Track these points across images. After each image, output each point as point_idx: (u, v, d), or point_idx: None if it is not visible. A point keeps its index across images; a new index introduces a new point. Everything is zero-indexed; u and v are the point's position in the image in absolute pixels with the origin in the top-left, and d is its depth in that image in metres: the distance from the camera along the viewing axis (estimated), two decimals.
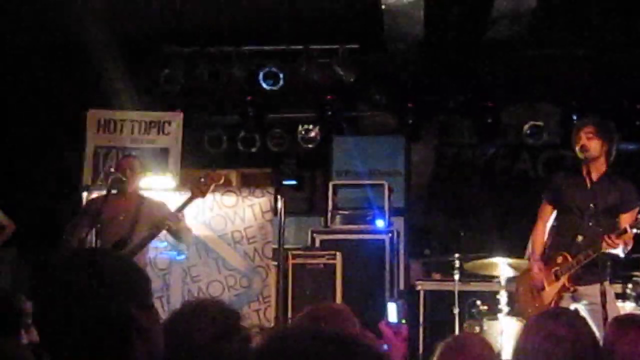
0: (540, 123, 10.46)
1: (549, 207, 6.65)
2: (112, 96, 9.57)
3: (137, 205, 7.31)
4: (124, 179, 7.25)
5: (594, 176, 6.28)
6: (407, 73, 10.30)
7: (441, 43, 9.55)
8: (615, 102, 9.99)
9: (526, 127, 10.45)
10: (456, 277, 8.84)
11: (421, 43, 9.35)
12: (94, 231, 7.10)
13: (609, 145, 6.36)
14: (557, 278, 6.36)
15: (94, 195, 8.32)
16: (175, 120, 9.54)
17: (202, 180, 7.19)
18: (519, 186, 10.94)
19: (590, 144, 6.29)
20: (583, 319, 3.56)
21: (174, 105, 9.94)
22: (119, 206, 7.27)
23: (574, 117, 10.16)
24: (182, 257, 8.83)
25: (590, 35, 9.29)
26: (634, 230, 5.97)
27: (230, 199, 9.04)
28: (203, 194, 7.16)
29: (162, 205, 7.43)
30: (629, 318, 3.69)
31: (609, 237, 5.93)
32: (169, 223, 7.08)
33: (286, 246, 9.03)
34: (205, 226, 8.90)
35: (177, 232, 7.30)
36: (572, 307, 6.39)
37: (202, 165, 10.26)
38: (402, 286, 9.99)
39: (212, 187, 7.21)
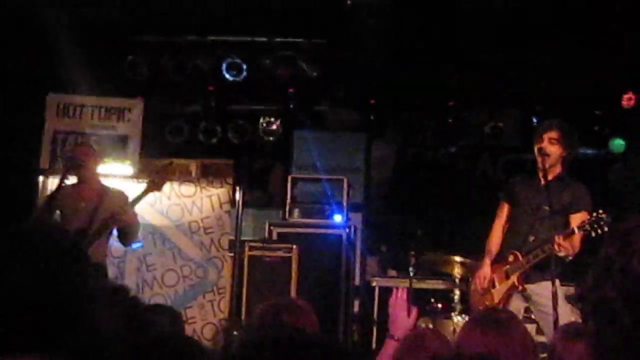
0: (501, 125, 10.52)
1: (506, 207, 6.73)
2: (73, 82, 9.49)
3: (99, 194, 7.28)
4: (81, 163, 7.22)
5: (548, 177, 6.35)
6: (371, 70, 10.31)
7: (406, 41, 9.58)
8: (575, 106, 10.08)
9: (487, 128, 10.51)
10: (411, 274, 8.87)
11: (386, 41, 9.37)
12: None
13: (567, 153, 6.44)
14: (508, 276, 6.43)
15: (50, 179, 8.28)
16: (136, 108, 9.48)
17: (158, 173, 7.21)
18: (478, 187, 11.00)
19: (551, 149, 6.36)
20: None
21: (136, 93, 9.87)
22: (81, 195, 7.25)
23: (535, 120, 10.25)
24: (138, 245, 8.79)
25: (553, 40, 9.36)
26: (581, 232, 6.05)
27: (188, 188, 9.03)
28: (159, 187, 7.18)
29: (121, 194, 7.41)
30: (575, 329, 3.73)
31: (559, 238, 6.01)
32: (122, 216, 7.07)
33: (243, 238, 9.02)
34: (162, 215, 8.90)
35: (125, 227, 7.25)
36: (523, 306, 6.47)
37: (162, 154, 10.23)
38: (357, 282, 10.02)
39: (167, 182, 7.24)
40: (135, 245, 8.74)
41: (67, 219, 7.16)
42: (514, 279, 6.39)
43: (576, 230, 6.05)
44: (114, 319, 2.79)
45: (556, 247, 6.02)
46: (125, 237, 7.42)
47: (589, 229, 6.00)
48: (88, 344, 1.95)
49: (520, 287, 6.38)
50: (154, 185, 7.14)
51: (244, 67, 9.98)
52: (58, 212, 7.22)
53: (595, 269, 1.46)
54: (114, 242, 8.30)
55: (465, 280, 8.04)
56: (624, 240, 1.40)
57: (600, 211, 6.02)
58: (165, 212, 8.90)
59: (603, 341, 1.42)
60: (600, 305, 1.42)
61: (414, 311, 4.21)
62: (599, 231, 5.96)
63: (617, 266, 1.39)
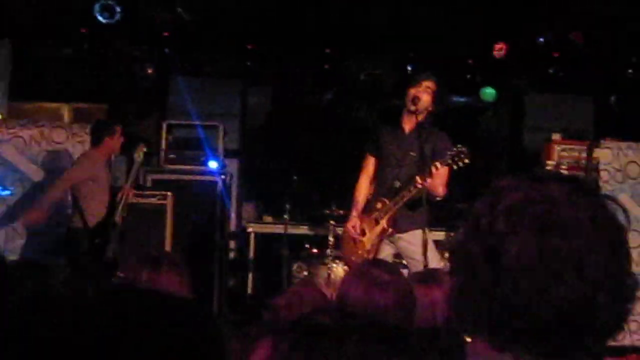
0: (377, 72, 10.61)
1: (371, 159, 6.83)
2: None
3: None
4: None
5: (412, 127, 6.51)
6: (248, 16, 10.22)
7: None
8: (448, 55, 10.26)
9: (363, 75, 10.59)
10: (286, 219, 8.94)
11: None
12: None
13: (436, 104, 6.60)
14: (377, 222, 6.56)
15: None
16: (3, 49, 9.12)
17: None
18: (354, 134, 11.10)
19: (425, 97, 6.48)
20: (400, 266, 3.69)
21: (4, 34, 9.51)
22: None
23: (409, 68, 10.40)
24: (7, 192, 8.55)
25: None
26: (444, 165, 6.21)
27: (60, 134, 8.79)
28: None
29: None
30: (431, 274, 3.86)
31: (421, 177, 6.16)
32: None
33: (118, 185, 8.88)
34: (32, 162, 8.64)
35: None
36: (392, 252, 6.62)
37: (33, 98, 9.94)
38: (233, 228, 10.04)
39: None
40: (3, 193, 8.50)
41: None
42: (383, 223, 6.52)
43: (438, 165, 6.21)
44: None
45: (418, 185, 6.16)
46: None
47: (450, 162, 6.19)
48: None
49: (390, 230, 6.51)
50: None
51: (118, 9, 9.73)
52: None
53: (465, 225, 1.51)
54: None
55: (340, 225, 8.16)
56: (494, 198, 1.45)
57: (460, 145, 6.23)
58: (35, 159, 8.65)
59: (464, 295, 1.47)
60: (464, 260, 1.47)
61: None
62: (460, 164, 6.18)
63: (484, 223, 1.43)
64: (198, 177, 9.47)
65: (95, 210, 7.56)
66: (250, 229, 9.81)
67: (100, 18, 9.76)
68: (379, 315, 3.08)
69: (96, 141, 7.74)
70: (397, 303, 3.17)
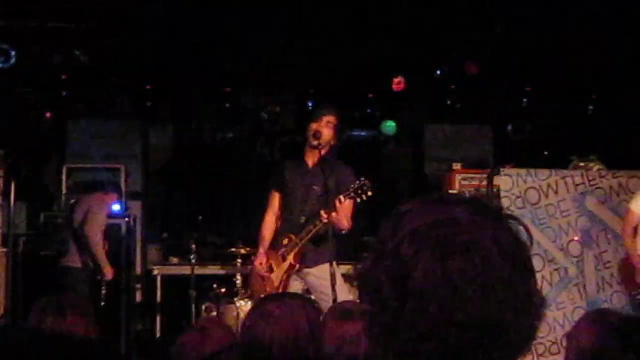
0: (277, 109, 10.67)
1: (276, 195, 6.82)
2: None
3: None
4: None
5: (315, 161, 6.53)
6: (146, 56, 10.16)
7: (181, 26, 9.50)
8: (348, 90, 10.37)
9: (264, 113, 10.63)
10: (193, 260, 8.85)
11: (161, 25, 9.26)
12: None
13: (338, 138, 6.64)
14: (285, 259, 6.54)
15: None
16: None
17: None
18: (257, 170, 11.10)
19: (325, 132, 6.50)
20: (303, 300, 3.67)
21: None
22: None
23: (309, 104, 10.48)
24: None
25: (325, 25, 9.56)
26: (347, 198, 6.23)
27: None
28: None
29: None
30: (346, 308, 3.86)
31: (326, 212, 6.17)
32: None
33: (18, 232, 8.68)
34: None
35: None
36: (302, 288, 6.61)
37: None
38: (139, 271, 9.89)
39: None
40: None
41: None
42: (290, 259, 6.51)
43: (342, 199, 6.22)
44: None
45: (322, 217, 6.16)
46: None
47: (354, 195, 6.20)
48: None
49: (297, 266, 6.50)
50: None
51: (13, 53, 9.55)
52: None
53: (371, 252, 1.50)
54: None
55: (247, 264, 8.12)
56: (398, 223, 1.44)
57: (363, 178, 6.26)
58: None
59: (375, 323, 1.47)
60: (372, 287, 1.46)
61: None
62: (364, 196, 6.19)
63: (389, 249, 1.43)
64: None
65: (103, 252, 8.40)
66: (156, 272, 9.68)
67: None
68: (265, 351, 3.08)
69: (103, 189, 8.76)
70: (284, 338, 3.16)
